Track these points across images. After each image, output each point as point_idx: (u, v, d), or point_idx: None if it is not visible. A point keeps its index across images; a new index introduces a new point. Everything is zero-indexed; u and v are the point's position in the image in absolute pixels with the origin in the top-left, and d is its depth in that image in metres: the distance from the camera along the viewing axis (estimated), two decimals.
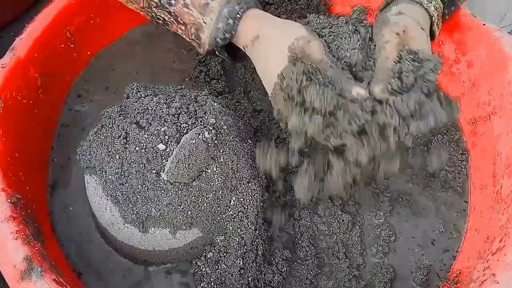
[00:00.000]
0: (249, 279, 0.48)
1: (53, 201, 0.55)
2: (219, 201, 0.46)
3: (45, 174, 0.57)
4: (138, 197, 0.45)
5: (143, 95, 0.49)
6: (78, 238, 0.53)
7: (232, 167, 0.47)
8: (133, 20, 0.71)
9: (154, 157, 0.44)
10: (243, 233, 0.48)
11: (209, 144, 0.45)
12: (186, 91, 0.52)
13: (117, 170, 0.45)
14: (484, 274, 0.47)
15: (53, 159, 0.58)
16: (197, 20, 0.49)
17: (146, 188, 0.44)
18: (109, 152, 0.46)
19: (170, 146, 0.44)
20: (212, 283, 0.48)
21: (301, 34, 0.46)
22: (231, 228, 0.48)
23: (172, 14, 0.50)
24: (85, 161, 0.49)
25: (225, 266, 0.48)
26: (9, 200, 0.44)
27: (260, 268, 0.50)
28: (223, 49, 0.52)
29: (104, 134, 0.48)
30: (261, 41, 0.48)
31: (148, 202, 0.45)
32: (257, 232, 0.50)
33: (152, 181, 0.44)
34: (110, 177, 0.46)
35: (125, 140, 0.46)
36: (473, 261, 0.52)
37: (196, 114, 0.47)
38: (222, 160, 0.47)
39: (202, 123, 0.47)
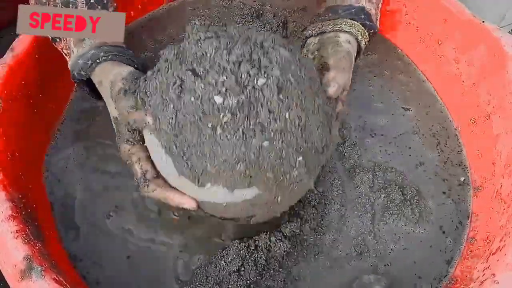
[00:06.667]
0: None
1: (54, 200, 0.55)
2: (282, 160, 0.42)
3: (45, 173, 0.57)
4: (193, 151, 0.41)
5: (202, 37, 0.44)
6: (79, 237, 0.53)
7: (299, 125, 0.43)
8: (134, 18, 0.72)
9: (210, 110, 0.40)
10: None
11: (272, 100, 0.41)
12: (252, 33, 0.45)
13: (170, 121, 0.42)
14: (484, 274, 0.47)
15: (54, 158, 0.58)
16: (70, 46, 0.52)
17: (201, 142, 0.41)
18: (164, 100, 0.42)
19: (228, 99, 0.40)
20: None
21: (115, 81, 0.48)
22: (296, 189, 0.45)
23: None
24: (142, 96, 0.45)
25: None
26: (9, 200, 0.44)
27: None
28: (83, 84, 0.53)
29: (159, 79, 0.44)
30: (102, 87, 0.50)
31: (203, 158, 0.41)
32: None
33: (207, 135, 0.40)
34: (163, 127, 0.42)
35: (180, 88, 0.42)
36: (473, 261, 0.53)
37: (259, 63, 0.42)
38: (287, 116, 0.42)
39: (267, 74, 0.41)
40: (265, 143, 0.41)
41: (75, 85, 0.54)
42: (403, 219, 0.56)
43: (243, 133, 0.40)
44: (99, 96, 0.53)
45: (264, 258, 0.51)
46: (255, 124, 0.40)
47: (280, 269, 0.51)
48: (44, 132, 0.59)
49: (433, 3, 0.66)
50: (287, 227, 0.53)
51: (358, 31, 0.57)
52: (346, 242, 0.54)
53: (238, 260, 0.50)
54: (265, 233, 0.52)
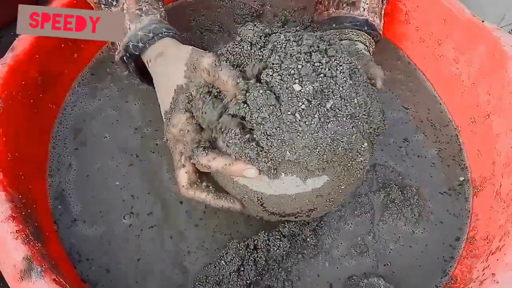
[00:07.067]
0: None
1: (54, 200, 0.55)
2: (352, 145, 0.43)
3: (45, 173, 0.57)
4: (273, 141, 0.42)
5: (268, 32, 0.46)
6: (80, 237, 0.53)
7: (365, 110, 0.44)
8: None
9: (289, 98, 0.41)
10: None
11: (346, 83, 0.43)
12: (306, 32, 0.47)
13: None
14: (483, 274, 0.47)
15: (54, 158, 0.58)
16: (125, 24, 0.52)
17: (281, 131, 0.42)
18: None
19: (306, 86, 0.41)
20: None
21: (197, 51, 0.48)
22: (358, 177, 0.46)
23: None
24: None
25: None
26: (9, 200, 0.44)
27: None
28: (132, 60, 0.54)
29: None
30: (163, 57, 0.50)
31: (283, 145, 0.42)
32: None
33: (288, 123, 0.41)
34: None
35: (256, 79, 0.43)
36: (473, 260, 0.53)
37: (327, 53, 0.44)
38: (356, 102, 0.44)
39: (336, 62, 0.43)
40: (339, 128, 0.42)
41: (119, 58, 0.54)
42: (403, 219, 0.56)
43: (319, 118, 0.41)
44: (140, 74, 0.55)
45: (264, 258, 0.51)
46: (328, 110, 0.42)
47: (280, 269, 0.51)
48: (44, 132, 0.59)
49: (433, 3, 0.66)
50: (285, 227, 0.53)
51: (365, 39, 0.58)
52: (345, 242, 0.54)
53: (237, 260, 0.50)
54: (264, 232, 0.52)
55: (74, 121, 0.62)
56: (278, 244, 0.51)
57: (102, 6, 0.53)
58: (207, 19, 0.74)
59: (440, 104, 0.69)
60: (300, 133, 0.41)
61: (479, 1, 0.77)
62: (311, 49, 0.43)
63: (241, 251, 0.50)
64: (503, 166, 0.55)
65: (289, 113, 0.41)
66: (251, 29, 0.45)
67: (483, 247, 0.52)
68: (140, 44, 0.51)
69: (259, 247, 0.51)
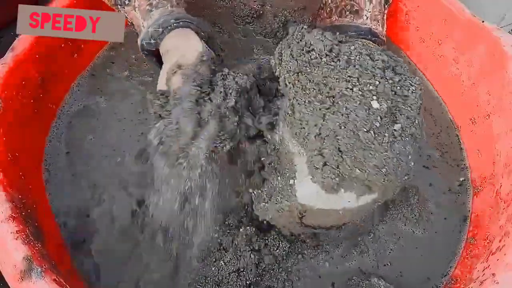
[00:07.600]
0: None
1: (54, 201, 0.55)
2: (408, 165, 0.42)
3: (45, 173, 0.57)
4: (345, 157, 0.41)
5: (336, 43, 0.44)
6: (79, 237, 0.53)
7: (421, 129, 0.43)
8: None
9: (367, 115, 0.40)
10: None
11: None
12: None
13: (324, 130, 0.42)
14: (484, 274, 0.47)
15: (54, 158, 0.58)
16: (140, 23, 0.53)
17: (355, 147, 0.41)
18: (314, 109, 0.42)
19: (382, 104, 0.40)
20: None
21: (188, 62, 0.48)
22: (396, 191, 0.45)
23: (129, 14, 0.53)
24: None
25: None
26: (9, 200, 0.44)
27: None
28: (150, 55, 0.54)
29: (299, 88, 0.43)
30: (168, 55, 0.51)
31: (355, 163, 0.41)
32: None
33: (363, 140, 0.40)
34: (311, 136, 0.42)
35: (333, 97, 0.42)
36: (473, 260, 0.53)
37: (395, 70, 0.43)
38: (417, 122, 0.43)
39: (408, 82, 0.42)
40: (402, 148, 0.41)
41: (145, 56, 0.55)
42: (403, 219, 0.56)
43: (388, 137, 0.41)
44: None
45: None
46: (396, 129, 0.41)
47: (280, 269, 0.51)
48: (44, 132, 0.59)
49: (433, 3, 0.66)
50: None
51: None
52: (345, 242, 0.54)
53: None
54: (264, 233, 0.52)
55: (74, 121, 0.62)
56: (278, 245, 0.51)
57: (119, 7, 0.53)
58: (207, 19, 0.74)
59: (440, 104, 0.69)
60: (372, 151, 0.40)
61: (479, 1, 0.77)
62: (383, 65, 0.42)
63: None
64: (503, 166, 0.55)
65: (365, 130, 0.40)
66: (320, 40, 0.43)
67: (483, 247, 0.52)
68: (152, 41, 0.52)
69: (259, 247, 0.51)
